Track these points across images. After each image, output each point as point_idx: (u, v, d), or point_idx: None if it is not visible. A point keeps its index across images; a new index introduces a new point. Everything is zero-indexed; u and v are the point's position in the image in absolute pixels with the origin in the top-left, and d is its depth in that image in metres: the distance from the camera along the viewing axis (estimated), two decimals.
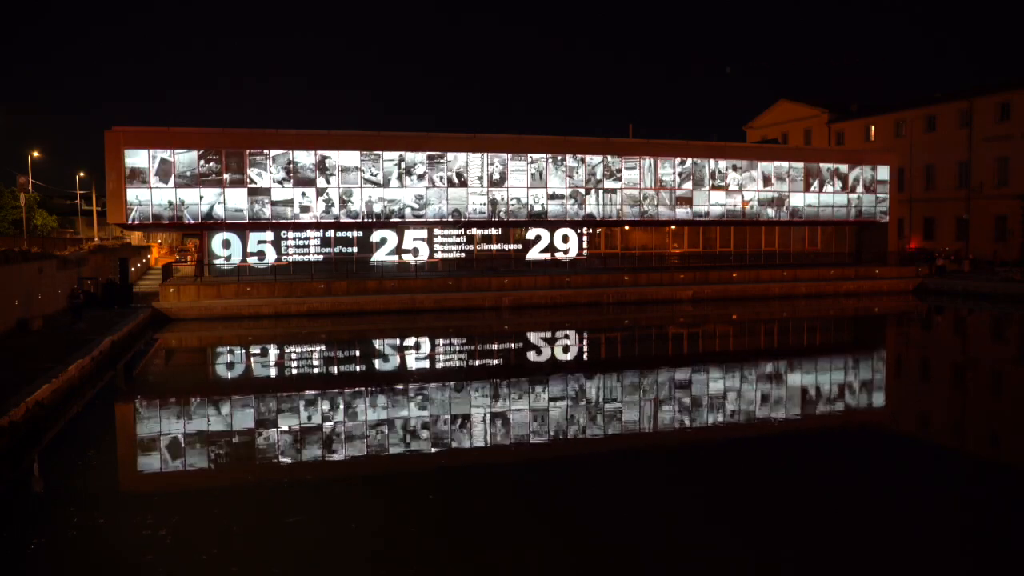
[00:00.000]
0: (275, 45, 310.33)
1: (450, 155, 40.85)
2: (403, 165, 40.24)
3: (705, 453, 14.93)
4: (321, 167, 39.02)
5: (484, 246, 43.56)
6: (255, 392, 20.59)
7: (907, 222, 58.89)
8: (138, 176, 36.75)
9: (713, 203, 46.22)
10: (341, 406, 18.72)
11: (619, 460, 14.44)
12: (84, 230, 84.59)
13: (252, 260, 39.62)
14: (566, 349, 27.90)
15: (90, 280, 35.69)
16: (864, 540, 10.21)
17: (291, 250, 40.31)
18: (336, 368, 24.70)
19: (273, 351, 27.78)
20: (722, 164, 46.22)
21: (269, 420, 17.35)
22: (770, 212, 47.72)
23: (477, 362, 25.40)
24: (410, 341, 29.54)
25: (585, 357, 26.41)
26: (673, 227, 47.52)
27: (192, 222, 37.97)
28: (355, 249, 41.17)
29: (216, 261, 39.40)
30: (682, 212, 45.59)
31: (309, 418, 17.57)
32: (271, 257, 39.88)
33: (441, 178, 40.88)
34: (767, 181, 47.40)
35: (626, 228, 46.24)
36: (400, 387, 20.91)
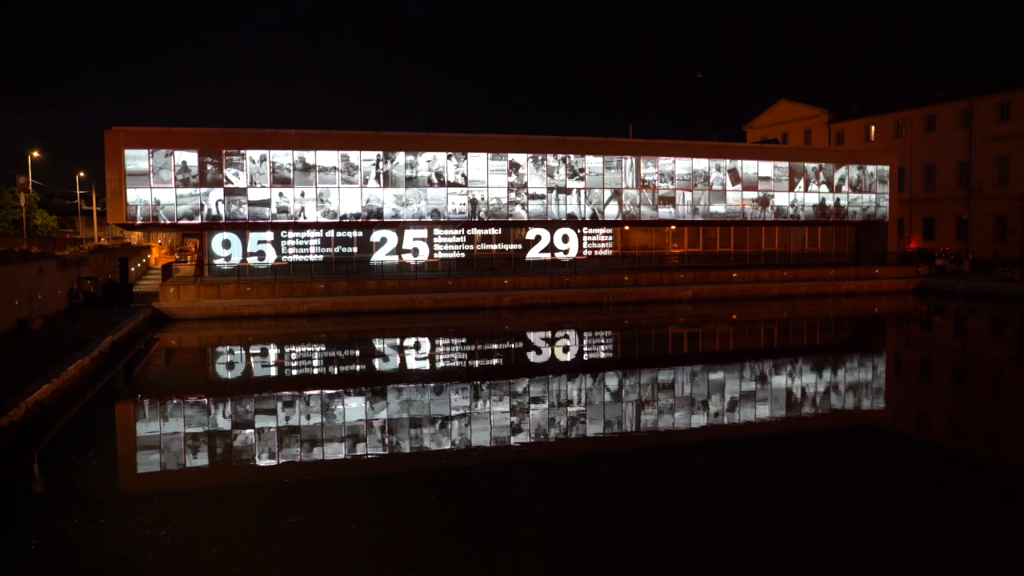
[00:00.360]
0: (286, 44, 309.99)
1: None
2: (408, 163, 40.25)
3: (705, 453, 14.92)
4: (322, 167, 39.02)
5: (484, 246, 43.56)
6: (255, 392, 20.59)
7: (907, 222, 58.86)
8: (138, 176, 36.74)
9: (713, 203, 46.23)
10: (341, 406, 18.71)
11: (619, 460, 14.43)
12: (84, 230, 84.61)
13: (252, 260, 39.62)
14: (566, 349, 27.89)
15: (90, 280, 35.70)
16: (864, 540, 10.20)
17: (291, 250, 40.30)
18: (336, 368, 24.69)
19: (273, 351, 27.77)
20: (723, 164, 46.21)
21: (269, 420, 17.34)
22: (770, 212, 47.71)
23: (477, 362, 25.38)
24: (410, 341, 29.53)
25: (585, 357, 26.39)
26: (673, 227, 47.52)
27: (192, 222, 37.97)
28: (355, 249, 41.16)
29: (216, 261, 39.39)
30: (682, 212, 45.58)
31: (309, 418, 17.56)
32: (271, 257, 39.88)
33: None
34: (767, 181, 47.39)
35: (626, 228, 46.23)
36: (400, 387, 20.90)
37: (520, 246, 44.04)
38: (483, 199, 41.61)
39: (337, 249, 40.98)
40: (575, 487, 12.77)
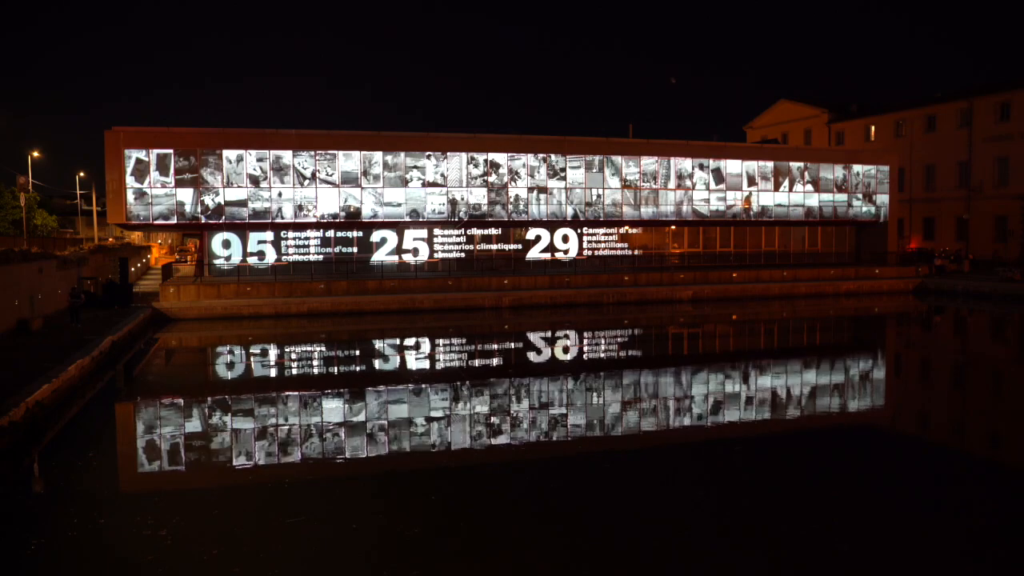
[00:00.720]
0: (285, 44, 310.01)
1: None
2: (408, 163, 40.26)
3: (705, 453, 14.91)
4: (322, 167, 39.01)
5: (484, 246, 43.55)
6: (255, 392, 20.59)
7: (907, 222, 58.86)
8: (139, 176, 36.75)
9: (713, 203, 46.22)
10: (342, 406, 18.71)
11: (620, 459, 14.42)
12: (84, 230, 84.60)
13: (252, 260, 39.62)
14: (566, 349, 27.89)
15: (90, 280, 35.69)
16: (864, 540, 10.20)
17: (291, 250, 40.30)
18: (336, 368, 24.69)
19: (273, 351, 27.77)
20: (723, 164, 46.21)
21: (269, 420, 17.34)
22: (770, 212, 47.70)
23: (477, 362, 25.38)
24: (410, 341, 29.53)
25: (585, 357, 26.39)
26: (673, 227, 47.51)
27: (192, 222, 37.96)
28: (355, 249, 41.16)
29: (216, 261, 39.39)
30: (681, 212, 45.57)
31: (309, 418, 17.55)
32: (271, 257, 39.88)
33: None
34: (767, 181, 47.39)
35: (626, 228, 46.19)
36: (400, 387, 20.90)
37: (520, 246, 44.03)
38: (483, 198, 41.60)
39: (337, 249, 40.98)
40: (575, 487, 12.76)
